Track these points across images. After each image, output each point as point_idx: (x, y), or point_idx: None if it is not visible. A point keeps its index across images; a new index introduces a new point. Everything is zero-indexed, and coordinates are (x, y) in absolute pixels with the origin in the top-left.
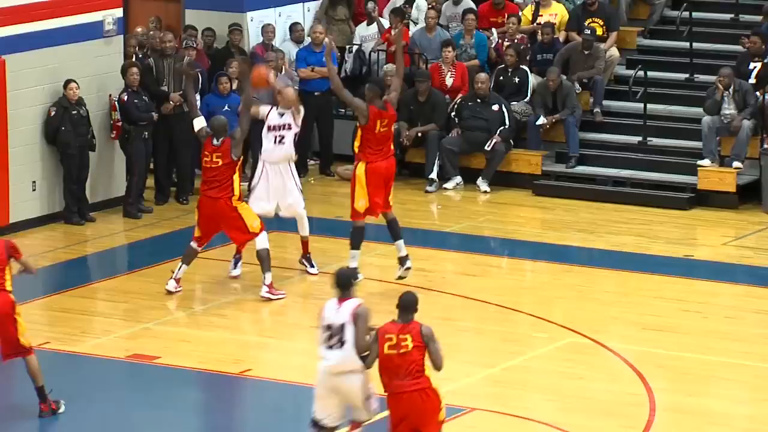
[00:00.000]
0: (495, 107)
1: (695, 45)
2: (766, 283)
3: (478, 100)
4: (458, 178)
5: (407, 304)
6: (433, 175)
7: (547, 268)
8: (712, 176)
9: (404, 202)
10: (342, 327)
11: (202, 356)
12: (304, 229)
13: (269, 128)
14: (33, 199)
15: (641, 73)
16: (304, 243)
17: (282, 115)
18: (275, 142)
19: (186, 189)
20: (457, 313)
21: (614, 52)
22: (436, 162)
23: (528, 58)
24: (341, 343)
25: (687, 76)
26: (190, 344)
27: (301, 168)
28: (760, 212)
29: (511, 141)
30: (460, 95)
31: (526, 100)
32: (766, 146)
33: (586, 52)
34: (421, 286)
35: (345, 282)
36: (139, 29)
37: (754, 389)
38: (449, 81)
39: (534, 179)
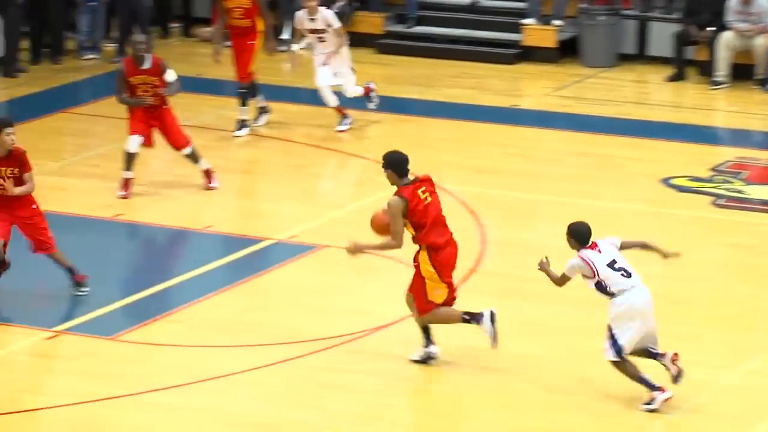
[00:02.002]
0: None
1: None
2: (583, 129)
3: None
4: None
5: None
6: (286, 36)
7: (389, 118)
8: (535, 33)
9: (258, 61)
10: None
11: (76, 202)
12: None
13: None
14: None
15: None
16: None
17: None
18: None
19: (59, 50)
20: (309, 160)
21: None
22: (288, 25)
23: None
24: None
25: None
26: (65, 192)
27: (164, 31)
28: (578, 65)
29: (356, 3)
30: None
31: None
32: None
33: None
34: (275, 136)
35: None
36: None
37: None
38: None
39: (377, 39)
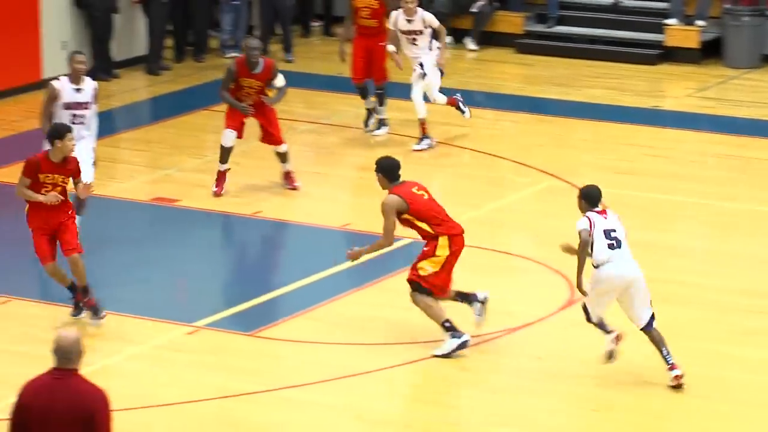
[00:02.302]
0: None
1: None
2: (725, 130)
3: None
4: (448, 38)
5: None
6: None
7: (528, 118)
8: (678, 34)
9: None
10: None
11: (216, 199)
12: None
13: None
14: (63, 57)
15: None
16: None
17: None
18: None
19: (202, 48)
20: (448, 160)
21: None
22: None
23: None
24: None
25: None
26: (206, 189)
27: (306, 29)
28: (721, 66)
29: (497, 3)
30: None
31: None
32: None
33: None
34: (410, 135)
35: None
36: None
37: (712, 225)
38: None
39: (517, 38)
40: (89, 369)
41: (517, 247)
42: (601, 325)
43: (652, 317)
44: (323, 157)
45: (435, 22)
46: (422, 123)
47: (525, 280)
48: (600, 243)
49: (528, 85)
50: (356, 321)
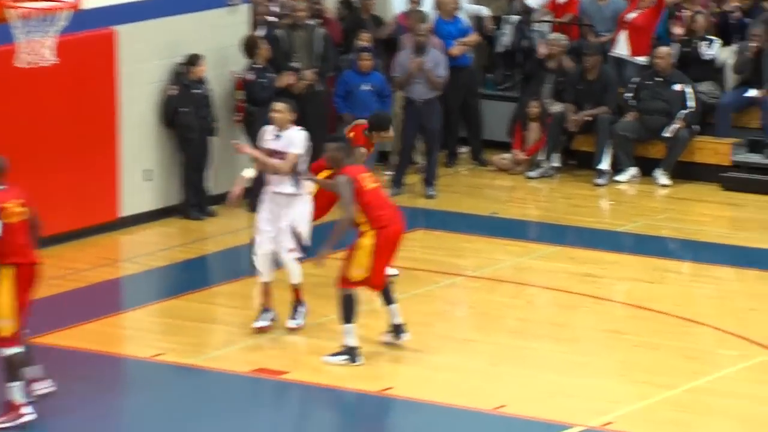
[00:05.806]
0: (677, 87)
1: None
2: None
3: (657, 79)
4: (633, 170)
5: None
6: (604, 166)
7: (738, 274)
8: None
9: (570, 197)
10: None
11: (335, 371)
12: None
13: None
14: (146, 190)
15: None
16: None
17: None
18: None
19: None
20: (630, 325)
21: None
22: (608, 151)
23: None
24: None
25: None
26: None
27: (451, 156)
28: None
29: (696, 126)
30: (635, 78)
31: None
32: None
33: None
34: (589, 294)
35: None
36: None
37: None
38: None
39: (722, 171)
40: None
41: None
42: None
43: None
44: (474, 319)
45: (294, 147)
46: (265, 294)
47: None
48: None
49: (736, 232)
50: None
